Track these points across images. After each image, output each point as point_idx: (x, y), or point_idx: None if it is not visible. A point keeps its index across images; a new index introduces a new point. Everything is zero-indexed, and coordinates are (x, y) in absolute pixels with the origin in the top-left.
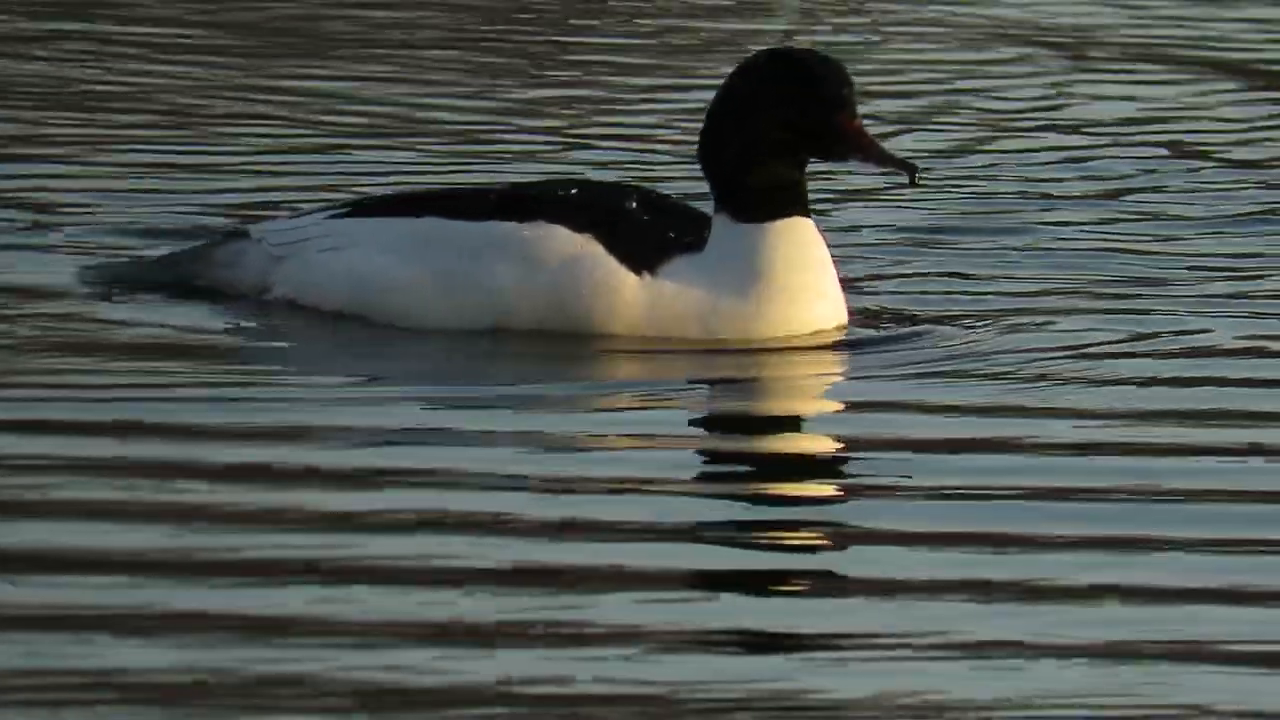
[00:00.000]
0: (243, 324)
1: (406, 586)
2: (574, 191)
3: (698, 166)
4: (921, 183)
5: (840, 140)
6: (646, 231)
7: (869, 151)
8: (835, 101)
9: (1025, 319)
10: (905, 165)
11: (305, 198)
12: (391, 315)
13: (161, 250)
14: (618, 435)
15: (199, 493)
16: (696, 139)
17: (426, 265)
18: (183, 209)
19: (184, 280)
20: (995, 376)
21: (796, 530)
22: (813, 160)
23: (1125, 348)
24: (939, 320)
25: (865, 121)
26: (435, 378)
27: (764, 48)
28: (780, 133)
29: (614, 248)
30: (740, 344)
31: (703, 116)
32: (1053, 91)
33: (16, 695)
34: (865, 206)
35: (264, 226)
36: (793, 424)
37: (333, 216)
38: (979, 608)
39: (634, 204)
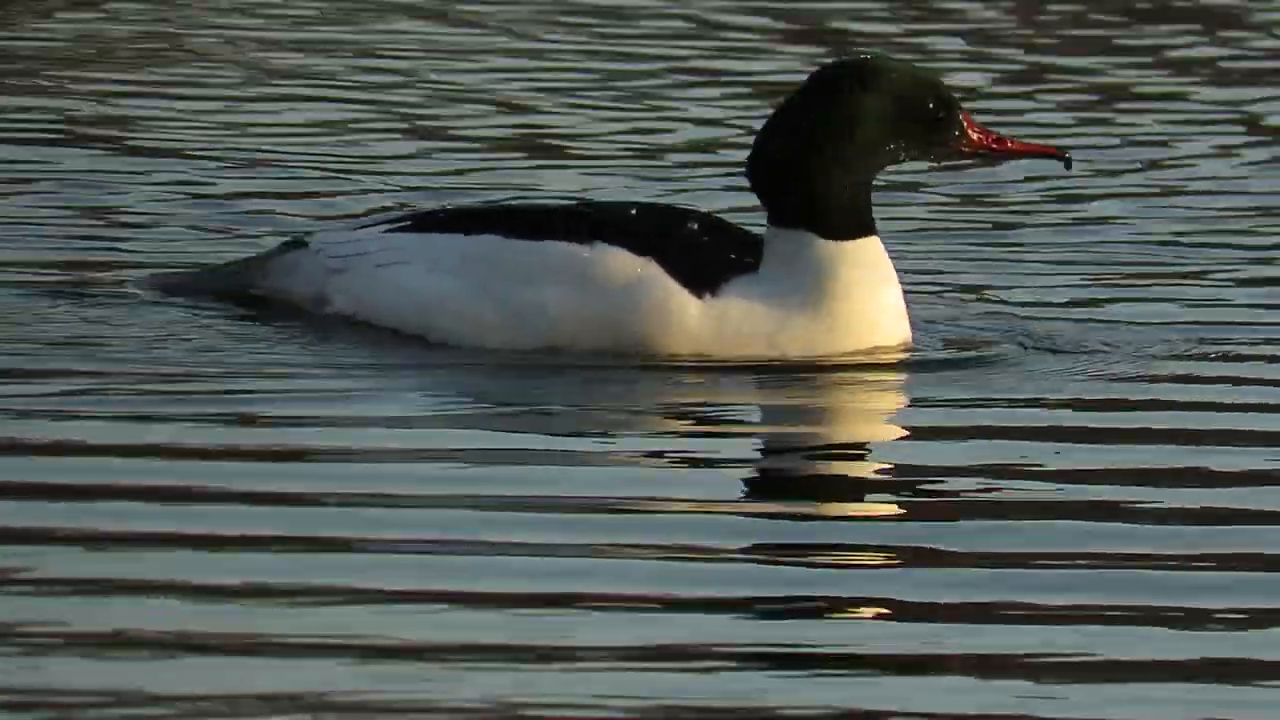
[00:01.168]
0: (296, 338)
1: (449, 606)
2: (634, 212)
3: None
4: (1074, 168)
5: (966, 138)
6: (706, 253)
7: (1001, 145)
8: (951, 101)
9: (1096, 342)
10: (1053, 151)
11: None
12: (448, 335)
13: (220, 258)
14: (682, 455)
15: (234, 516)
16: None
17: (484, 285)
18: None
19: (241, 289)
20: (1060, 401)
21: (853, 559)
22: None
23: (1196, 374)
24: (1007, 342)
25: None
26: (494, 399)
27: (831, 62)
28: (896, 142)
29: (674, 270)
30: (805, 363)
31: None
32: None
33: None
34: (938, 224)
35: (322, 238)
36: (857, 448)
37: (391, 230)
38: (1044, 635)
39: (694, 225)
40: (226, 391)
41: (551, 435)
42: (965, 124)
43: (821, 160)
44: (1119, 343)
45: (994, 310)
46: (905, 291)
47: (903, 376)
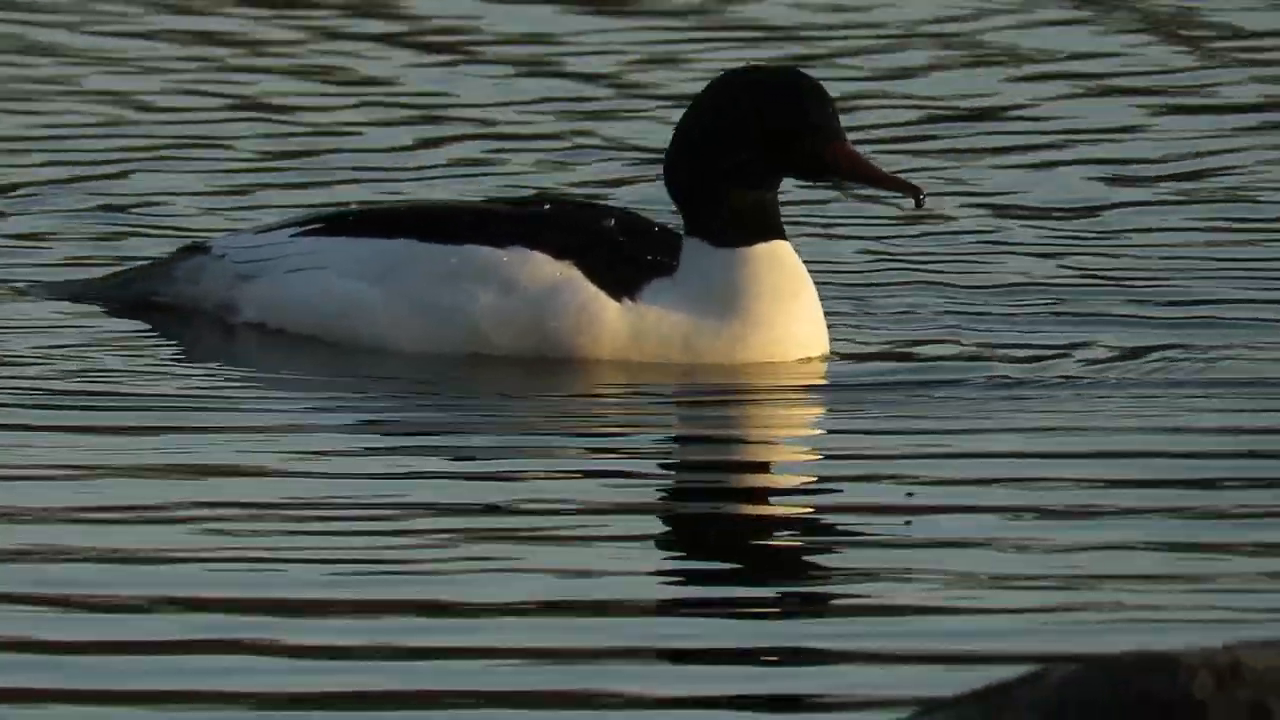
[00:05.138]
0: (207, 348)
1: (366, 617)
2: (548, 207)
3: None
4: (927, 207)
5: (828, 163)
6: (624, 254)
7: (863, 173)
8: (820, 122)
9: (1015, 353)
10: (908, 187)
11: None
12: (366, 341)
13: (117, 265)
14: (595, 464)
15: (156, 529)
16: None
17: (403, 290)
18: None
19: (142, 297)
20: (975, 413)
21: (761, 577)
22: (800, 184)
23: (1131, 389)
24: (928, 353)
25: (860, 142)
26: (413, 405)
27: (734, 67)
28: (761, 157)
29: (593, 273)
30: (723, 368)
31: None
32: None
33: None
34: (855, 229)
35: (226, 242)
36: (767, 464)
37: (301, 234)
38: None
39: (612, 223)
40: (141, 407)
41: (474, 437)
42: (839, 148)
43: (715, 170)
44: (1063, 372)
45: (921, 324)
46: (826, 296)
47: (818, 385)
